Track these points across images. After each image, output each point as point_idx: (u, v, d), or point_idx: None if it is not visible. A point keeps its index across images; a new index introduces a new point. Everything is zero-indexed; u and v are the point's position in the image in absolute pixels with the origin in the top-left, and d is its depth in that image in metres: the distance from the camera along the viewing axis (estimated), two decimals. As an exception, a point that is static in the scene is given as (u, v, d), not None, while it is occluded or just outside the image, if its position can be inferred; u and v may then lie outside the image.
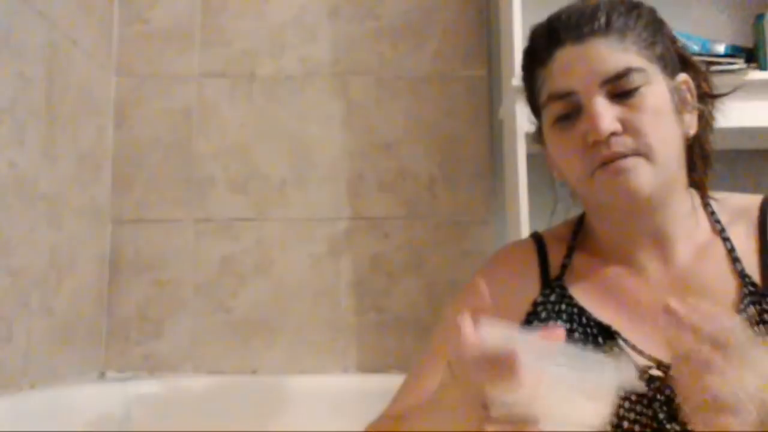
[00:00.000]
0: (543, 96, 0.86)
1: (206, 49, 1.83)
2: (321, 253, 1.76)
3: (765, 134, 1.55)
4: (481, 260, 1.67)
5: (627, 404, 0.79)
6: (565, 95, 0.82)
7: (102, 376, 1.69)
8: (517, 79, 1.49)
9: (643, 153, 0.79)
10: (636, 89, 0.80)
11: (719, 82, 0.90)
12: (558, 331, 0.62)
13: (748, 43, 1.58)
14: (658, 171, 0.80)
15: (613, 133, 0.78)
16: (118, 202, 1.77)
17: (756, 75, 1.48)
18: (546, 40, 0.85)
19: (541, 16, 0.91)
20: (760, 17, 1.55)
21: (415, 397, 0.87)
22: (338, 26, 1.83)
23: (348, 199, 1.77)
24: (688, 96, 0.86)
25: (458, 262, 1.73)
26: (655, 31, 0.85)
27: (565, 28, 0.83)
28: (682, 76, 0.86)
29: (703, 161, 0.89)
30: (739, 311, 0.79)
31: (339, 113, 1.80)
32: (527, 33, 0.92)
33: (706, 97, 0.89)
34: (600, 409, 0.57)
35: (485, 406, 0.58)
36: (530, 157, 1.48)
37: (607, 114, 0.79)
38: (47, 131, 1.45)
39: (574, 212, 0.97)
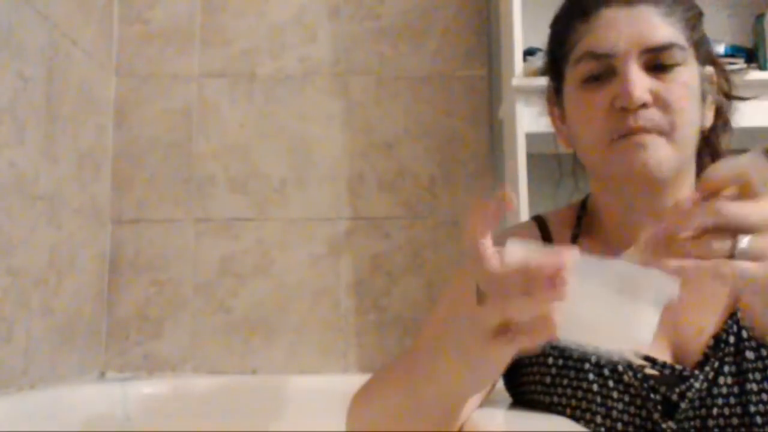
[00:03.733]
0: (577, 52, 0.83)
1: (206, 49, 1.83)
2: (321, 253, 1.75)
3: (765, 134, 1.55)
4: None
5: (621, 405, 0.77)
6: (602, 55, 0.80)
7: (102, 376, 1.69)
8: (517, 78, 1.50)
9: (667, 131, 0.77)
10: (673, 65, 0.79)
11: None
12: (572, 250, 0.55)
13: (748, 43, 1.58)
14: (677, 153, 0.78)
15: (643, 105, 0.77)
16: (118, 202, 1.77)
17: (756, 75, 1.48)
18: None
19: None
20: (760, 17, 1.55)
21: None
22: (338, 26, 1.83)
23: (348, 199, 1.77)
24: (711, 89, 0.86)
25: (458, 262, 1.73)
26: (698, 15, 0.85)
27: None
28: (709, 69, 0.86)
29: (712, 161, 0.88)
30: (737, 310, 0.79)
31: (339, 113, 1.80)
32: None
33: (725, 97, 0.88)
34: (636, 331, 0.51)
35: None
36: (530, 157, 1.48)
37: (641, 82, 0.77)
38: (47, 131, 1.45)
39: (577, 198, 0.96)
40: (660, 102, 0.78)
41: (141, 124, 1.80)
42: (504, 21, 1.64)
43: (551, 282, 0.48)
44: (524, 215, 1.45)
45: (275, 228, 1.77)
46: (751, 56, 1.53)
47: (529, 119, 1.48)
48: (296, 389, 1.61)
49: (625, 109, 0.77)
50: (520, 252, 0.52)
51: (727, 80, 0.89)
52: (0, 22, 1.29)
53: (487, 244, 0.53)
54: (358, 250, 1.75)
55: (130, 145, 1.79)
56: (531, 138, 1.47)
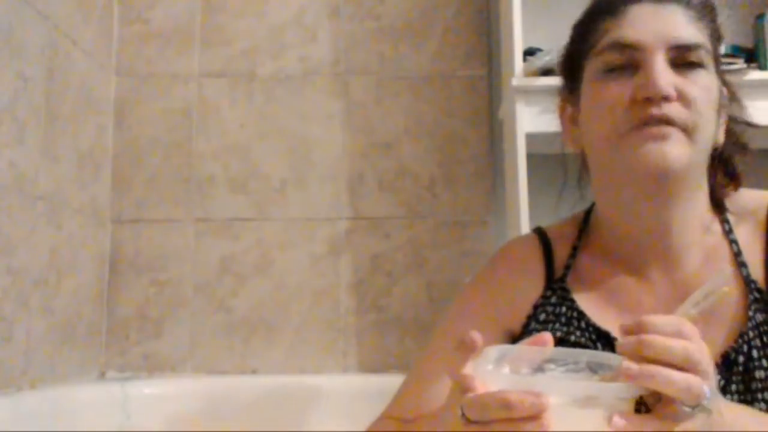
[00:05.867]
0: (602, 43, 0.82)
1: (206, 49, 1.83)
2: (321, 253, 1.75)
3: (765, 134, 1.55)
4: (481, 260, 1.68)
5: None
6: (628, 46, 0.79)
7: (102, 376, 1.69)
8: (517, 78, 1.50)
9: (689, 128, 0.76)
10: (698, 66, 0.79)
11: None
12: (545, 336, 0.61)
13: (748, 43, 1.58)
14: (694, 153, 0.77)
15: (667, 98, 0.76)
16: (118, 202, 1.77)
17: (756, 75, 1.48)
18: None
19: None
20: (760, 17, 1.55)
21: (416, 400, 0.85)
22: (338, 26, 1.83)
23: (348, 199, 1.77)
24: (725, 107, 0.85)
25: (458, 262, 1.73)
26: (720, 34, 0.85)
27: None
28: (724, 89, 0.86)
29: (731, 181, 0.87)
30: (748, 319, 0.77)
31: (339, 113, 1.80)
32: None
33: (736, 122, 0.88)
34: (598, 416, 0.56)
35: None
36: (530, 157, 1.48)
37: (667, 75, 0.77)
38: (47, 131, 1.45)
39: (579, 208, 0.95)
40: (683, 98, 0.77)
41: (141, 124, 1.80)
42: (504, 21, 1.64)
43: (535, 418, 0.53)
44: (524, 215, 1.45)
45: (275, 228, 1.77)
46: (751, 56, 1.52)
47: (529, 119, 1.47)
48: (296, 389, 1.61)
49: (648, 99, 0.76)
50: (497, 354, 0.59)
51: (741, 105, 0.88)
52: (0, 22, 1.29)
53: (469, 373, 0.58)
54: (358, 250, 1.75)
55: (130, 145, 1.79)
56: (531, 138, 1.47)
